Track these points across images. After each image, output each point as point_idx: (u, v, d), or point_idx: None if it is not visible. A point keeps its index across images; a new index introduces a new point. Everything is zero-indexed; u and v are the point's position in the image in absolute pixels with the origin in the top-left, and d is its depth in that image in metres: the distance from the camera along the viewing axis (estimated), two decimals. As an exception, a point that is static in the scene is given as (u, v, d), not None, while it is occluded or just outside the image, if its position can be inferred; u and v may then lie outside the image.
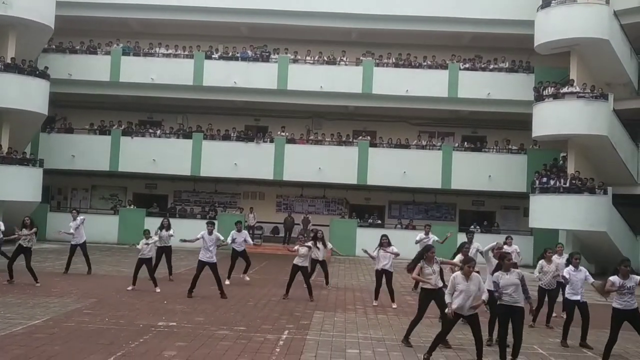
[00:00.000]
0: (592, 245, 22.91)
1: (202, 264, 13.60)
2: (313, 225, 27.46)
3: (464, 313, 8.67)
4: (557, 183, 23.14)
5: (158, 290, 13.95)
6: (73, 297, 12.85)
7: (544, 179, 23.72)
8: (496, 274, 8.93)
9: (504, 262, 8.92)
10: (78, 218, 16.76)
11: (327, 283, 16.22)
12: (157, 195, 30.06)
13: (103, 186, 30.47)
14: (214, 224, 14.39)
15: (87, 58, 27.79)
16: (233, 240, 15.91)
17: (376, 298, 13.75)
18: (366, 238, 25.74)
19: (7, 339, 9.06)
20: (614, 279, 8.98)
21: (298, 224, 27.47)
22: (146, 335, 9.68)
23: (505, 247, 12.87)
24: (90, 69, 27.35)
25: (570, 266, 10.60)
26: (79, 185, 30.32)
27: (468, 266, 8.75)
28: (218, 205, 29.49)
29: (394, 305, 13.24)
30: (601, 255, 22.20)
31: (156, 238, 15.01)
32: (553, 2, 23.31)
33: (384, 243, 13.44)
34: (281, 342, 9.61)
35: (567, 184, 22.70)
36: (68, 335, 9.47)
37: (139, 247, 14.32)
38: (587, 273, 10.47)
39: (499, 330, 8.83)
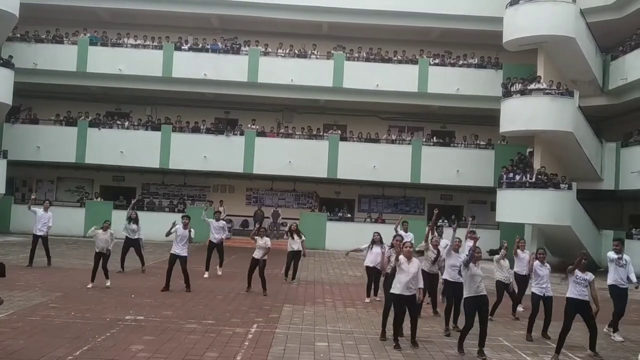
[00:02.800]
0: (556, 239, 23.38)
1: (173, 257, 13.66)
2: (283, 218, 27.58)
3: (404, 293, 9.36)
4: (524, 178, 23.51)
5: (107, 284, 13.54)
6: (38, 290, 12.65)
7: (511, 174, 24.08)
8: (467, 261, 9.46)
9: (473, 255, 9.39)
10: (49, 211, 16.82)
11: (293, 278, 16.01)
12: (125, 188, 29.68)
13: (69, 178, 29.97)
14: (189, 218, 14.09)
15: (53, 47, 27.21)
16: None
17: (368, 295, 13.65)
18: (336, 232, 26.02)
19: (-31, 333, 8.88)
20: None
21: (268, 217, 27.45)
22: (113, 329, 9.58)
23: (469, 241, 13.20)
24: (56, 58, 26.82)
25: (537, 261, 10.78)
26: (45, 177, 29.77)
27: (407, 247, 9.66)
28: (187, 199, 29.27)
29: (378, 298, 13.33)
30: (565, 249, 22.65)
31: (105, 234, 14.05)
32: (521, -1, 23.63)
33: (376, 240, 13.35)
34: (250, 336, 9.61)
35: (533, 179, 23.07)
36: (33, 329, 9.32)
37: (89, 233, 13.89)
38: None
39: (467, 320, 9.22)
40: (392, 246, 11.29)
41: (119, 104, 29.84)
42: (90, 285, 13.40)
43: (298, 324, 10.72)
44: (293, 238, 15.75)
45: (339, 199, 29.66)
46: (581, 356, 9.52)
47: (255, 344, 9.09)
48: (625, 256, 11.10)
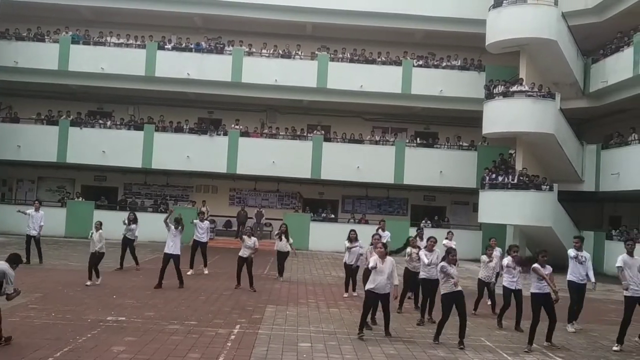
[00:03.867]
0: (538, 239, 23.58)
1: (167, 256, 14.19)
2: (267, 219, 27.53)
3: (381, 292, 9.86)
4: (506, 179, 23.70)
5: (96, 282, 13.98)
6: (18, 291, 12.48)
7: (493, 175, 24.26)
8: (443, 263, 10.00)
9: (448, 256, 10.05)
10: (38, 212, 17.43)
11: (280, 276, 16.59)
12: (107, 188, 29.44)
13: (50, 178, 29.65)
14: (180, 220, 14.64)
15: (35, 45, 26.89)
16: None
17: (346, 290, 14.34)
18: (319, 232, 26.01)
19: (-53, 335, 8.74)
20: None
21: (251, 218, 27.37)
22: (94, 330, 9.50)
23: (445, 241, 14.86)
24: (38, 56, 26.50)
25: (510, 257, 11.38)
26: (25, 176, 29.42)
27: (379, 248, 10.21)
28: (170, 199, 29.09)
29: (355, 294, 13.97)
30: (547, 249, 22.84)
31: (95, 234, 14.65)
32: (504, 2, 23.79)
33: (352, 238, 14.08)
34: (233, 337, 9.57)
35: (515, 180, 23.27)
36: (12, 331, 9.17)
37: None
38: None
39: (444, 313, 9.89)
40: (372, 244, 12.07)
41: (101, 103, 29.58)
42: (89, 283, 13.83)
43: (281, 324, 10.70)
44: (281, 240, 16.27)
45: (323, 199, 29.66)
46: (562, 356, 9.62)
47: (238, 345, 9.06)
48: (584, 253, 11.76)
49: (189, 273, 16.17)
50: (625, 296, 10.32)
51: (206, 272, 16.82)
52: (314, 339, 9.73)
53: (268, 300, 13.04)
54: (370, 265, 9.91)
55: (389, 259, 10.07)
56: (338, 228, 26.17)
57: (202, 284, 14.85)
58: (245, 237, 14.74)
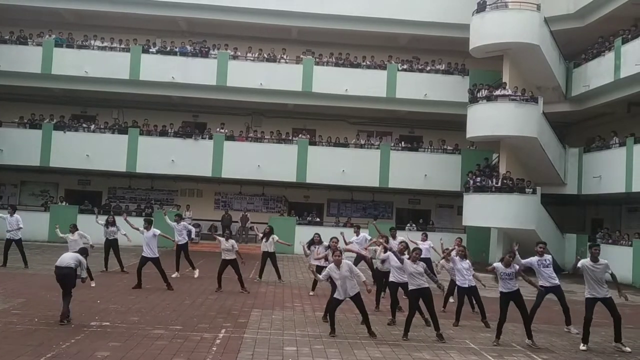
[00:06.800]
0: (521, 242, 23.61)
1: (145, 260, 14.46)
2: (252, 222, 27.47)
3: (344, 296, 10.25)
4: (490, 183, 23.87)
5: (93, 284, 13.83)
6: (0, 297, 12.37)
7: (477, 179, 24.42)
8: (407, 261, 10.60)
9: (412, 254, 10.67)
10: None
11: (279, 278, 16.90)
12: (91, 192, 29.23)
13: (33, 182, 29.39)
14: (151, 221, 15.00)
15: (17, 49, 26.71)
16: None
17: (313, 289, 15.08)
18: (305, 236, 25.88)
19: None
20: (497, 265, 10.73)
21: (236, 222, 27.30)
22: (78, 335, 9.43)
23: (419, 242, 15.58)
24: (21, 60, 26.30)
25: (458, 257, 11.93)
26: (8, 180, 29.13)
27: (336, 256, 10.48)
28: (154, 203, 28.95)
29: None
30: (530, 252, 23.01)
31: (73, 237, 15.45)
32: (488, 7, 24.01)
33: (316, 241, 14.56)
34: (218, 341, 9.55)
35: (499, 184, 23.44)
36: (-6, 336, 9.13)
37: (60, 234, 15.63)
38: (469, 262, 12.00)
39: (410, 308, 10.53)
40: (329, 247, 12.78)
41: (85, 107, 29.40)
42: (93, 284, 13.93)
43: (266, 328, 10.70)
44: (267, 240, 16.58)
45: (308, 203, 29.69)
46: (545, 357, 9.70)
47: (224, 350, 9.05)
48: (547, 256, 12.13)
49: (173, 275, 16.19)
50: (586, 297, 10.53)
51: (196, 275, 16.81)
52: (300, 343, 9.74)
53: (253, 304, 13.01)
54: (322, 276, 10.58)
55: (344, 263, 10.30)
56: (323, 231, 26.03)
57: (188, 288, 14.81)
58: (222, 239, 14.78)
